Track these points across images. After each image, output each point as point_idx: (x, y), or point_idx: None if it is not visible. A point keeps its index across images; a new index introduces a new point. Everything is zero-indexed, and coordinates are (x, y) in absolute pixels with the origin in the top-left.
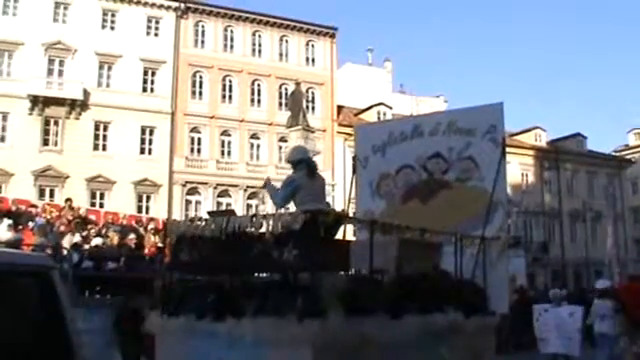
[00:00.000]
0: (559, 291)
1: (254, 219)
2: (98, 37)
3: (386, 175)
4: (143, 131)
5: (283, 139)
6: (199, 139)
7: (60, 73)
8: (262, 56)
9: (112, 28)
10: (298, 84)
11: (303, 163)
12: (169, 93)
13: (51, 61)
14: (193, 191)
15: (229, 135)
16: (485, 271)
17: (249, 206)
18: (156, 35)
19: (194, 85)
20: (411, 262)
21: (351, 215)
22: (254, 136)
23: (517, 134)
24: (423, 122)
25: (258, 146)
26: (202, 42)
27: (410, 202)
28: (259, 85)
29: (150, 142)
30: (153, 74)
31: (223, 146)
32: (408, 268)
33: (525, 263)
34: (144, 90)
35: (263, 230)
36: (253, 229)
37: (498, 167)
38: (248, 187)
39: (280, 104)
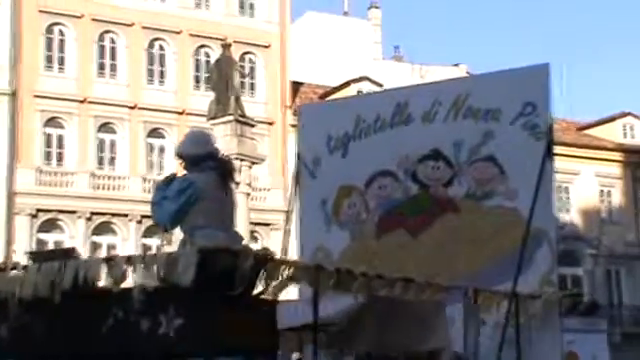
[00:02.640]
0: None
1: (112, 265)
2: None
3: (349, 189)
4: None
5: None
6: (60, 137)
7: None
8: (166, 1)
9: None
10: (226, 47)
11: (209, 161)
12: (6, 60)
13: None
14: (50, 225)
15: (112, 132)
16: (521, 354)
17: (146, 248)
18: None
19: (50, 47)
20: (391, 337)
21: (288, 258)
22: (154, 133)
23: (591, 126)
24: (412, 98)
25: (161, 149)
26: None
27: (390, 235)
28: (162, 48)
29: None
30: None
31: (102, 150)
32: (384, 348)
33: (608, 342)
34: None
35: (129, 284)
36: (110, 282)
37: (540, 175)
38: (144, 217)
39: (197, 80)
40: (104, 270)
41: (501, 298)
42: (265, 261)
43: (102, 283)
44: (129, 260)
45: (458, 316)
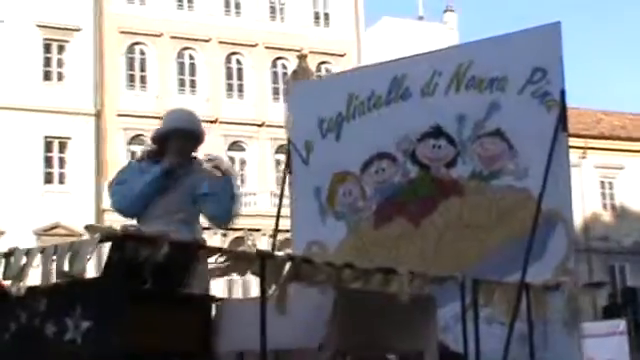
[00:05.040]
0: None
1: (9, 260)
2: None
3: (344, 175)
4: (48, 146)
5: (282, 149)
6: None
7: None
8: (242, 14)
9: None
10: (302, 57)
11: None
12: (90, 80)
13: None
14: None
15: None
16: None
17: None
18: None
19: (131, 66)
20: (367, 339)
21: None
22: (234, 146)
23: None
24: (410, 71)
25: (242, 162)
26: None
27: (390, 224)
28: (239, 62)
29: (61, 164)
30: (61, 50)
31: None
32: (361, 349)
33: (628, 345)
34: (46, 77)
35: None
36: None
37: (552, 149)
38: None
39: (275, 92)
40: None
41: (509, 290)
42: (189, 250)
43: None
44: (28, 253)
45: (456, 309)
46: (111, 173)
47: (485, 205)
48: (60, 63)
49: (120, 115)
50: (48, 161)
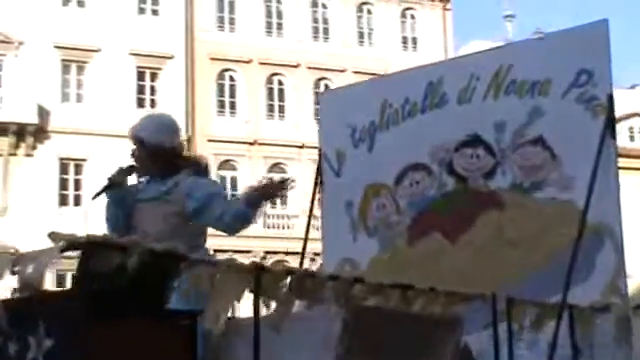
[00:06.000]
0: None
1: None
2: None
3: (377, 188)
4: None
5: None
6: (233, 179)
7: None
8: (330, 39)
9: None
10: None
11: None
12: (182, 107)
13: None
14: None
15: (282, 171)
16: None
17: None
18: (154, 13)
19: (221, 93)
20: None
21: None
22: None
23: None
24: (446, 76)
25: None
26: (230, 22)
27: (425, 240)
28: (327, 87)
29: None
30: (153, 77)
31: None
32: None
33: None
34: (140, 104)
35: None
36: None
37: (598, 157)
38: (316, 254)
39: None
40: None
41: (549, 311)
42: (168, 260)
43: None
44: None
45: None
46: None
47: (526, 219)
48: (153, 90)
49: (210, 140)
50: None
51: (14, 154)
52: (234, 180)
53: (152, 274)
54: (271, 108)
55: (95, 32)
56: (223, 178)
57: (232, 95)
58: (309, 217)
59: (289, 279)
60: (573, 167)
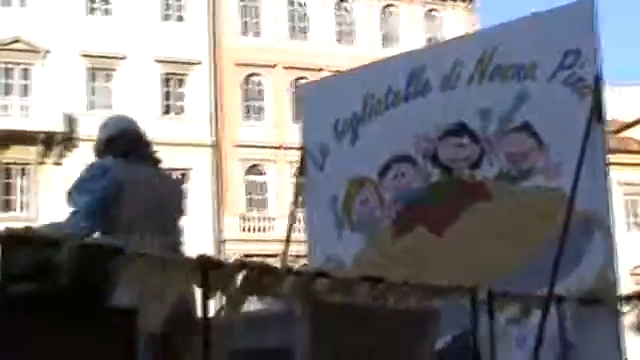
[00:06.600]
0: None
1: None
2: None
3: (360, 182)
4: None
5: None
6: (262, 184)
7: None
8: (355, 42)
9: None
10: None
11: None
12: (206, 114)
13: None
14: None
15: None
16: None
17: None
18: (179, 19)
19: (247, 96)
20: None
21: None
22: None
23: None
24: (429, 62)
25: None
26: (255, 26)
27: (410, 235)
28: None
29: None
30: (179, 83)
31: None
32: None
33: None
34: (165, 111)
35: None
36: None
37: (584, 142)
38: None
39: None
40: None
41: (536, 304)
42: (101, 254)
43: None
44: None
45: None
46: (229, 203)
47: (515, 209)
48: (179, 97)
49: (237, 146)
50: None
51: (42, 163)
52: (263, 185)
53: (84, 270)
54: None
55: (121, 40)
56: (252, 183)
57: (258, 100)
58: (290, 216)
59: (242, 274)
60: (560, 153)
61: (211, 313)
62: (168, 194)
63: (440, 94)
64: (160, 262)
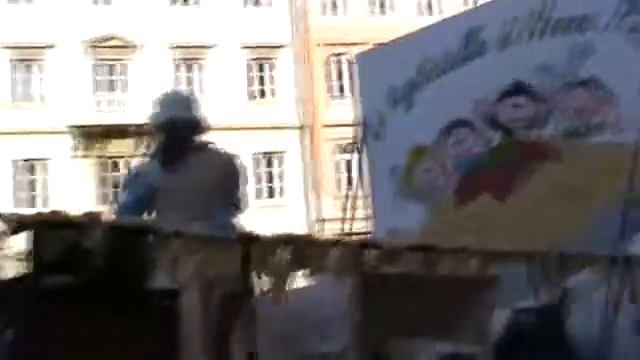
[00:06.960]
0: None
1: None
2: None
3: (420, 150)
4: (257, 162)
5: None
6: (349, 162)
7: None
8: (439, 13)
9: None
10: None
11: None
12: (294, 95)
13: None
14: None
15: None
16: None
17: None
18: (256, 4)
19: (331, 76)
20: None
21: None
22: None
23: None
24: (486, 21)
25: None
26: (339, 5)
27: (473, 203)
28: None
29: (270, 178)
30: (266, 68)
31: None
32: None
33: None
34: (251, 97)
35: None
36: None
37: None
38: None
39: None
40: None
41: (597, 264)
42: (137, 236)
43: None
44: None
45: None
46: (320, 184)
47: (584, 167)
48: (265, 81)
49: (325, 126)
50: (257, 176)
51: (135, 155)
52: (349, 163)
53: (118, 251)
54: None
55: (207, 29)
56: (339, 162)
57: (343, 78)
58: (348, 190)
59: (287, 249)
60: (631, 107)
61: (257, 292)
62: (214, 177)
63: (497, 54)
64: (199, 241)
